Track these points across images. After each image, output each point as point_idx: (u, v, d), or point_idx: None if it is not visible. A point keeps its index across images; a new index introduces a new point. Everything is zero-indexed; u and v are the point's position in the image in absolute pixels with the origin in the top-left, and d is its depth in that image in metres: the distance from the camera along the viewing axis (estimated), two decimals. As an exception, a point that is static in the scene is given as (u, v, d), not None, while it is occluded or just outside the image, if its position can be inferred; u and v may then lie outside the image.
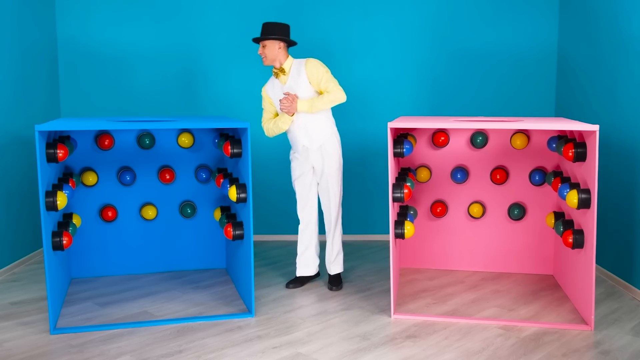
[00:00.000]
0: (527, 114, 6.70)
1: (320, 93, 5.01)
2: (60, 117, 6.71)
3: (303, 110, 4.96)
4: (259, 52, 5.04)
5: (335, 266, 5.36)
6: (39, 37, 6.30)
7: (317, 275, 5.51)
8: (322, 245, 6.30)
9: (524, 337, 4.23)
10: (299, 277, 5.40)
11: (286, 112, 4.97)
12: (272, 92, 5.14)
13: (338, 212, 5.27)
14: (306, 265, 5.38)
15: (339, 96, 4.94)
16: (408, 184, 4.90)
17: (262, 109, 5.28)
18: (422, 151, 5.66)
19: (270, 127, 5.13)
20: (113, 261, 5.59)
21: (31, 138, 6.03)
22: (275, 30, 4.97)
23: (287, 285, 5.30)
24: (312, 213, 5.30)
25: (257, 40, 5.01)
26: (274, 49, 4.99)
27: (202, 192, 5.70)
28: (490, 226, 5.66)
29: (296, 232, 5.84)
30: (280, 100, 4.97)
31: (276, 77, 5.08)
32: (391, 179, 4.67)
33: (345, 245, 6.53)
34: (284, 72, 5.02)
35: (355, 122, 6.61)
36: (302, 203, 5.28)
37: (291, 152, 5.28)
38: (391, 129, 4.59)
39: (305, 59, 5.01)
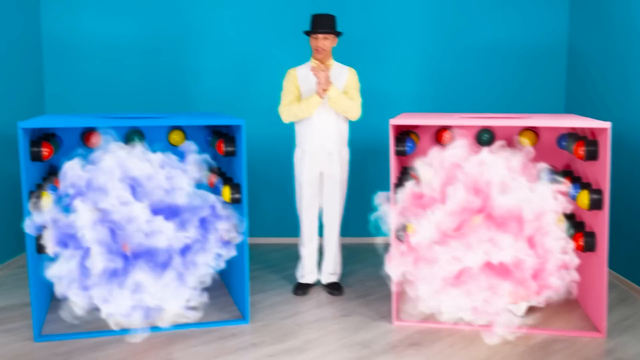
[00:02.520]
0: (535, 110, 6.70)
1: None
2: (45, 113, 6.71)
3: (333, 95, 5.00)
4: (318, 45, 5.07)
5: (334, 276, 5.38)
6: (22, 30, 6.29)
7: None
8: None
9: (533, 345, 4.24)
10: (306, 284, 5.40)
11: (321, 82, 4.94)
12: (304, 82, 5.17)
13: (340, 221, 5.31)
14: (313, 272, 5.39)
15: (357, 110, 5.15)
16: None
17: (281, 91, 5.24)
18: (425, 149, 5.64)
19: (294, 110, 5.09)
20: (101, 265, 5.57)
21: (14, 136, 6.01)
22: (333, 24, 5.10)
23: (297, 293, 5.29)
24: (315, 219, 5.31)
25: (317, 32, 5.04)
26: (332, 44, 5.14)
27: (195, 192, 5.68)
28: (497, 228, 5.65)
29: (293, 235, 5.84)
30: (316, 70, 4.94)
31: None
32: (393, 179, 4.66)
33: (345, 248, 6.53)
34: (328, 69, 5.08)
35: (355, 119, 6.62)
36: (307, 208, 5.26)
37: (297, 152, 5.26)
38: (393, 126, 4.59)
39: (347, 67, 5.24)
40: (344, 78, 5.16)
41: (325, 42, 5.07)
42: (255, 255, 6.42)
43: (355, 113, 5.14)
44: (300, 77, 5.18)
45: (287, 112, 5.14)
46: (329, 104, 5.07)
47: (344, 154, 5.25)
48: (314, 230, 5.33)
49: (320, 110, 5.10)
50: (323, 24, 5.06)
